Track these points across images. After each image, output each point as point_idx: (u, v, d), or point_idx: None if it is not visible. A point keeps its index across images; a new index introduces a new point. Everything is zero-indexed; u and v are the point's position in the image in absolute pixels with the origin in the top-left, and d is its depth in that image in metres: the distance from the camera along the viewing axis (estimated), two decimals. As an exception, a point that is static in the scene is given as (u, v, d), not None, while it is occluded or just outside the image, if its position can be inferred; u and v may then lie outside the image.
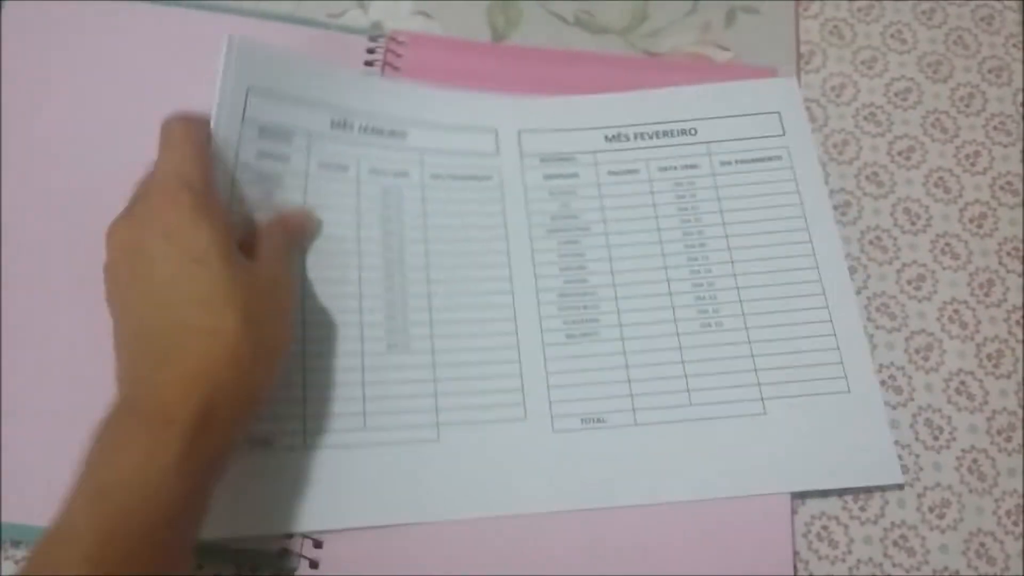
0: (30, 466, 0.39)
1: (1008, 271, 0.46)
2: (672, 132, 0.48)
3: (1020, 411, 0.44)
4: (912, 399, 0.44)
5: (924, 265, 0.46)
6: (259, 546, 0.39)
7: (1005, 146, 0.48)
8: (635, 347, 0.44)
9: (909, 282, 0.46)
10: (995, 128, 0.48)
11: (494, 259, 0.45)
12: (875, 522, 0.42)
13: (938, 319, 0.45)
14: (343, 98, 0.45)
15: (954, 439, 0.43)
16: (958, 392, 0.44)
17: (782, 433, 0.42)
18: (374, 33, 0.50)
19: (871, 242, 0.47)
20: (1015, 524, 0.42)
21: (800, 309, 0.44)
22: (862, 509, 0.42)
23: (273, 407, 0.39)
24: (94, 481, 0.30)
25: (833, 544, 0.41)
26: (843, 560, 0.41)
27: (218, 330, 0.32)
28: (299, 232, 0.42)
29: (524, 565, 0.40)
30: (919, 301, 0.46)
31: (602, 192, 0.47)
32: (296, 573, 0.39)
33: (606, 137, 0.48)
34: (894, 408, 0.44)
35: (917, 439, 0.43)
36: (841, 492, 0.42)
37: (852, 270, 0.46)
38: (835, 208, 0.47)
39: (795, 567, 0.41)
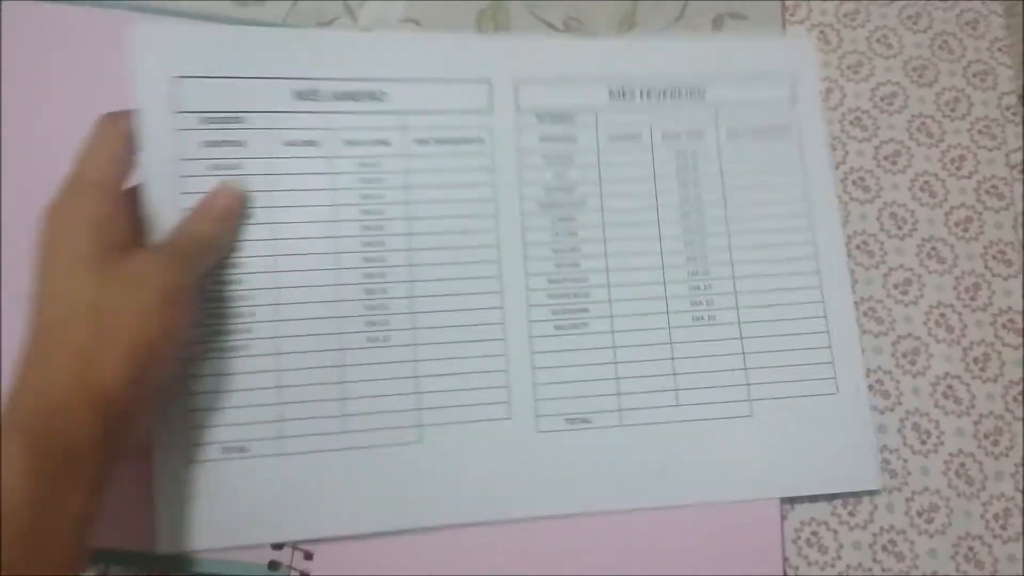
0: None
1: (994, 275, 0.46)
2: (680, 92, 0.45)
3: (1006, 415, 0.44)
4: (900, 403, 0.44)
5: (910, 269, 0.46)
6: (245, 572, 0.39)
7: (990, 150, 0.48)
8: (625, 341, 0.42)
9: (896, 286, 0.46)
10: (980, 132, 0.49)
11: (482, 240, 0.42)
12: (864, 527, 0.42)
13: (925, 323, 0.45)
14: (305, 64, 0.41)
15: (941, 443, 0.43)
16: (945, 396, 0.44)
17: (767, 437, 0.42)
18: (361, 40, 0.49)
19: (858, 247, 0.47)
20: (1003, 528, 0.42)
21: (795, 303, 0.43)
22: (851, 514, 0.42)
23: (245, 411, 0.39)
24: None
25: (823, 549, 0.41)
26: (832, 565, 0.41)
27: (66, 334, 0.33)
28: (228, 213, 0.39)
29: (513, 567, 0.40)
30: (906, 305, 0.46)
31: (601, 160, 0.44)
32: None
33: (611, 92, 0.44)
34: (882, 412, 0.44)
35: (905, 443, 0.43)
36: (829, 498, 0.42)
37: (839, 275, 0.46)
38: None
39: (785, 572, 0.41)
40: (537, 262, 0.42)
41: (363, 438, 0.39)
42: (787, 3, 0.52)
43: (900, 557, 0.41)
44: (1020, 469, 0.43)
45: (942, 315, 0.46)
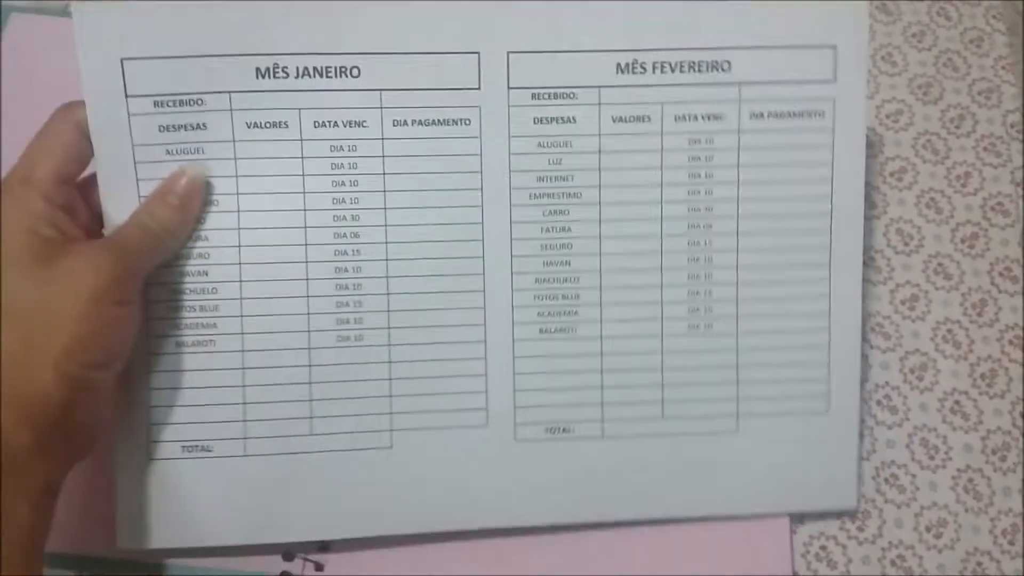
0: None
1: (1000, 291, 0.46)
2: (701, 65, 0.39)
3: (1013, 430, 0.44)
4: (907, 419, 0.44)
5: (917, 285, 0.47)
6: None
7: (995, 167, 0.49)
8: (614, 348, 0.39)
9: (903, 302, 0.46)
10: (985, 149, 0.49)
11: (465, 234, 0.38)
12: (873, 542, 0.42)
13: (932, 339, 0.46)
14: (268, 39, 0.37)
15: (950, 459, 0.44)
16: (952, 412, 0.44)
17: (751, 455, 0.40)
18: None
19: (865, 263, 0.47)
20: (1011, 543, 0.42)
21: (801, 314, 0.40)
22: (860, 529, 0.42)
23: (209, 409, 0.37)
24: None
25: (832, 564, 0.42)
26: (841, 580, 0.41)
27: None
28: (184, 200, 0.37)
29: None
30: (913, 321, 0.46)
31: (603, 146, 0.39)
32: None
33: (618, 66, 0.38)
34: (890, 428, 0.44)
35: (913, 459, 0.43)
36: (837, 515, 0.42)
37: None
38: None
39: (794, 588, 0.41)
40: (524, 259, 0.39)
41: (331, 441, 0.38)
42: (793, 21, 0.53)
43: (909, 572, 0.42)
44: (1028, 484, 0.43)
45: (949, 331, 0.46)
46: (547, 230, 0.39)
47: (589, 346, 0.39)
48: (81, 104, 0.36)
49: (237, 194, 0.37)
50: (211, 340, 0.38)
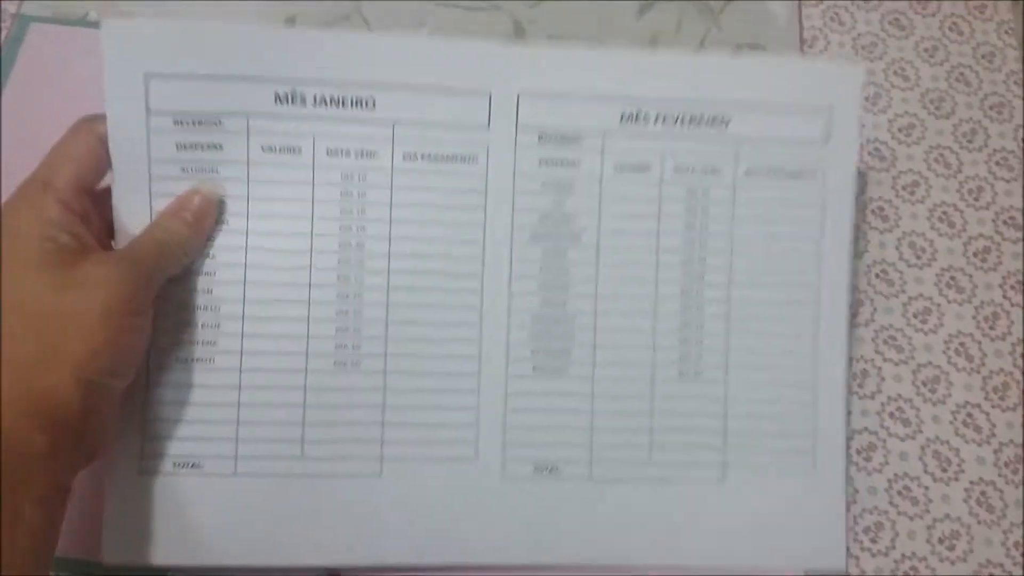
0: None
1: (1012, 304, 0.47)
2: (701, 119, 0.40)
3: (1026, 443, 0.44)
4: (920, 431, 0.44)
5: (930, 298, 0.47)
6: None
7: (1007, 181, 0.49)
8: (604, 391, 0.40)
9: (915, 315, 0.47)
10: (997, 164, 0.49)
11: (466, 268, 0.39)
12: (886, 554, 0.42)
13: (944, 352, 0.46)
14: (289, 66, 0.37)
15: (962, 471, 0.44)
16: (965, 424, 0.45)
17: (737, 505, 0.40)
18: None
19: (877, 275, 0.47)
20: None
21: (787, 368, 0.41)
22: (873, 541, 0.42)
23: (202, 426, 0.37)
24: None
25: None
26: (855, 592, 0.42)
27: (10, 345, 0.32)
28: (199, 217, 0.37)
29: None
30: (925, 334, 0.46)
31: (603, 191, 0.40)
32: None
33: (623, 114, 0.40)
34: (903, 440, 0.44)
35: (926, 471, 0.44)
36: None
37: (859, 303, 0.47)
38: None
39: (808, 599, 0.41)
40: (522, 297, 0.40)
41: (322, 466, 0.38)
42: (806, 35, 0.53)
43: (922, 584, 0.42)
44: (1040, 497, 0.44)
45: (962, 344, 0.46)
46: (545, 270, 0.40)
47: (581, 386, 0.40)
48: (103, 117, 0.37)
49: (247, 215, 0.38)
50: (210, 357, 0.38)
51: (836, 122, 0.41)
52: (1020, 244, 0.48)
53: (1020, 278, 0.47)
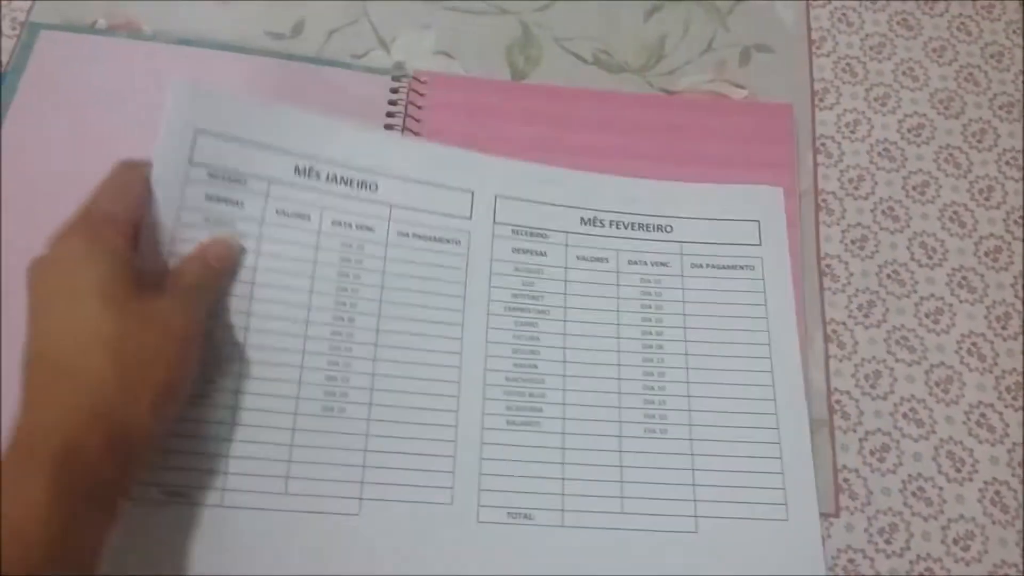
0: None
1: (1024, 304, 0.47)
2: (648, 226, 0.47)
3: (1040, 443, 0.44)
4: (933, 432, 0.44)
5: (942, 299, 0.47)
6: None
7: (1017, 180, 0.49)
8: (574, 444, 0.43)
9: (927, 315, 0.47)
10: (1007, 163, 0.49)
11: (448, 331, 0.43)
12: (901, 555, 0.42)
13: (957, 352, 0.46)
14: (310, 145, 0.43)
15: (976, 471, 0.44)
16: (978, 424, 0.45)
17: (711, 556, 0.41)
18: (397, 73, 0.50)
19: (889, 276, 0.47)
20: (1040, 556, 0.42)
21: (750, 427, 0.43)
22: (887, 542, 0.42)
23: (192, 458, 0.39)
24: None
25: (860, 577, 0.42)
26: (871, 593, 0.41)
27: (84, 370, 0.32)
28: (220, 263, 0.40)
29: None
30: (937, 334, 0.46)
31: (568, 277, 0.46)
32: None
33: (582, 219, 0.47)
34: (916, 441, 0.44)
35: (940, 471, 0.44)
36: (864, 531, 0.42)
37: (871, 304, 0.47)
38: (852, 242, 0.48)
39: (823, 601, 0.41)
40: (497, 359, 0.44)
41: (303, 502, 0.39)
42: (814, 36, 0.53)
43: (938, 585, 0.42)
44: (1054, 497, 0.43)
45: (974, 344, 0.46)
46: (518, 337, 0.44)
47: (552, 440, 0.43)
48: (145, 163, 0.39)
49: (255, 268, 0.41)
50: (207, 393, 0.39)
51: (765, 230, 0.48)
52: (1031, 243, 0.48)
53: (1031, 277, 0.47)
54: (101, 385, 0.32)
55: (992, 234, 0.48)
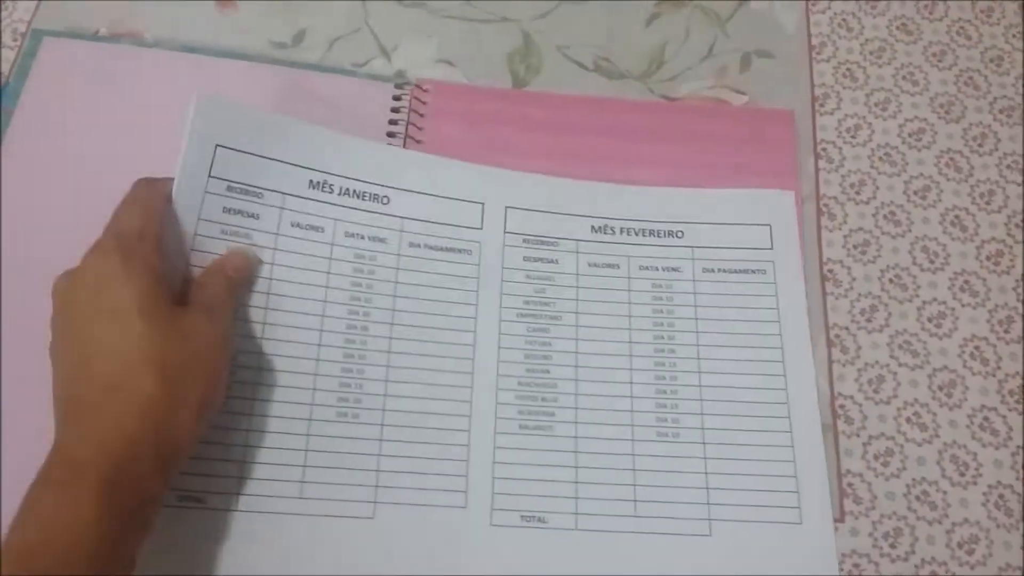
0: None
1: (1026, 307, 0.47)
2: (659, 232, 0.48)
3: (1044, 446, 0.44)
4: (937, 436, 0.44)
5: (944, 303, 0.47)
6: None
7: (1018, 184, 0.49)
8: (587, 448, 0.43)
9: (930, 319, 0.47)
10: (1008, 167, 0.49)
11: (460, 338, 0.44)
12: (906, 559, 0.42)
13: (959, 356, 0.46)
14: (324, 160, 0.44)
15: (980, 475, 0.44)
16: (982, 428, 0.45)
17: (725, 559, 0.41)
18: (399, 81, 0.51)
19: (891, 280, 0.47)
20: (1045, 559, 0.42)
21: (762, 430, 0.44)
22: (892, 547, 0.42)
23: (209, 464, 0.39)
24: (16, 543, 0.30)
25: (865, 582, 0.42)
26: (876, 598, 0.41)
27: (132, 388, 0.33)
28: (238, 274, 0.40)
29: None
30: (940, 338, 0.46)
31: (579, 283, 0.46)
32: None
33: (592, 227, 0.47)
34: (919, 445, 0.44)
35: (943, 476, 0.44)
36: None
37: (874, 308, 0.47)
38: (854, 247, 0.48)
39: (829, 606, 0.41)
40: (509, 364, 0.44)
41: (318, 506, 0.40)
42: (814, 42, 0.53)
43: (943, 589, 0.42)
44: (1058, 500, 0.43)
45: (976, 348, 0.46)
46: (530, 343, 0.45)
47: (565, 444, 0.43)
48: (165, 180, 0.39)
49: (271, 279, 0.42)
50: (225, 401, 0.39)
51: (777, 233, 0.48)
52: (1032, 247, 0.48)
53: (1033, 281, 0.47)
54: (150, 403, 0.33)
55: (993, 238, 0.48)
